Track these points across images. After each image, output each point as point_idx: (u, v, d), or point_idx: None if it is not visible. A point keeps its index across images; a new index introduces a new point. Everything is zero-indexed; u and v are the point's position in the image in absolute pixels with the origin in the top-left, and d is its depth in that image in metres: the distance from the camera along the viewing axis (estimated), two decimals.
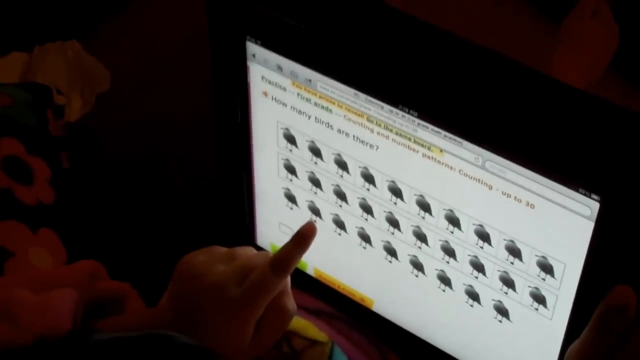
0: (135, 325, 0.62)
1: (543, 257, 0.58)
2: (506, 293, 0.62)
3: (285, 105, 0.66)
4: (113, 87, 1.00)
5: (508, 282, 0.61)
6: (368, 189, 0.65)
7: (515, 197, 0.57)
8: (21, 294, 0.61)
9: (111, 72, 1.00)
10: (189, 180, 0.95)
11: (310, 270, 0.75)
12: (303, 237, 0.60)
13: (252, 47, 0.65)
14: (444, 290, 0.66)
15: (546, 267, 0.59)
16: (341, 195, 0.67)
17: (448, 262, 0.64)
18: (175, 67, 1.02)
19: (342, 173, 0.66)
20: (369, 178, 0.64)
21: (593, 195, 0.54)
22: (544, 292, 0.60)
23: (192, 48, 0.94)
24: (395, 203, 0.64)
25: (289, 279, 0.59)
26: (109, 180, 0.96)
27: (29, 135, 0.85)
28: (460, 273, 0.64)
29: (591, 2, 0.87)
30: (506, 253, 0.60)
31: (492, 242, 0.60)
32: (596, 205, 0.54)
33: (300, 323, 0.72)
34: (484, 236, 0.61)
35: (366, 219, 0.67)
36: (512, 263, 0.60)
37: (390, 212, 0.65)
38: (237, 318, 0.59)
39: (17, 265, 0.78)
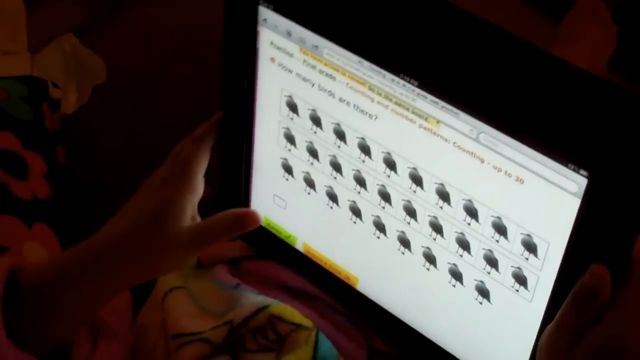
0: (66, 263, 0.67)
1: (528, 235, 0.59)
2: (489, 273, 0.62)
3: (291, 72, 0.67)
4: (109, 80, 1.00)
5: (492, 262, 0.62)
6: (363, 161, 0.66)
7: (505, 172, 0.58)
8: None
9: (108, 64, 1.00)
10: None
11: (299, 246, 0.75)
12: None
13: (264, 12, 0.66)
14: (428, 269, 0.66)
15: (530, 246, 0.59)
16: (337, 167, 0.68)
17: (435, 239, 0.64)
18: (173, 60, 1.03)
19: (340, 144, 0.67)
20: (365, 149, 0.65)
21: (581, 171, 0.54)
22: (525, 273, 0.60)
23: (191, 42, 0.94)
24: (389, 176, 0.65)
25: None
26: (104, 174, 0.96)
27: (25, 129, 0.84)
28: (446, 251, 0.64)
29: (589, 2, 0.88)
30: (492, 230, 0.61)
31: (480, 219, 0.61)
32: (584, 182, 0.54)
33: (286, 310, 0.72)
34: (472, 212, 0.61)
35: (359, 192, 0.67)
36: (497, 241, 0.61)
37: (383, 185, 0.66)
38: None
39: None
